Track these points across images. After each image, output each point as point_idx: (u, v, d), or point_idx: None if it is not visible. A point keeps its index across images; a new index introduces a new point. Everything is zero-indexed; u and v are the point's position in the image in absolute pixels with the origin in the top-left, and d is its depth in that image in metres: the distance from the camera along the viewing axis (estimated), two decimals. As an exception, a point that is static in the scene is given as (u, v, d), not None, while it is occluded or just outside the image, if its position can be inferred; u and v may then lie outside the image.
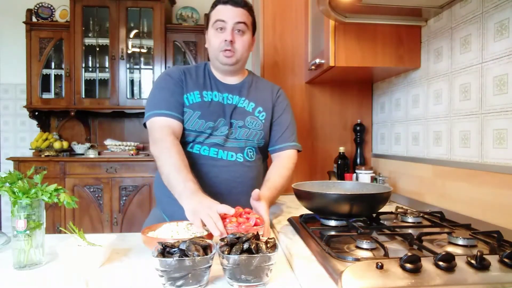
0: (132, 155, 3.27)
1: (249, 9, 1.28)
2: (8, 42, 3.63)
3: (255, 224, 0.94)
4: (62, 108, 3.42)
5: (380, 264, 0.65)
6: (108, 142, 3.42)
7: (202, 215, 0.93)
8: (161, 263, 0.69)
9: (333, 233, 0.90)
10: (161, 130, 1.18)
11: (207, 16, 1.30)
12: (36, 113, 3.48)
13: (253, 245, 0.72)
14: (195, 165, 1.22)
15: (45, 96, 3.46)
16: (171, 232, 0.95)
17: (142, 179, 3.17)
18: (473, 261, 0.66)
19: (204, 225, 0.92)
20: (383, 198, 1.04)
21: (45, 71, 3.44)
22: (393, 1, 1.19)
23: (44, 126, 3.62)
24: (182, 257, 0.69)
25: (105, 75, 3.46)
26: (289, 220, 1.16)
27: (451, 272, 0.65)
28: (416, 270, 0.64)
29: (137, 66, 3.58)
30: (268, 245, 0.75)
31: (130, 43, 3.48)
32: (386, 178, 1.52)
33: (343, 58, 1.40)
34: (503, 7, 1.00)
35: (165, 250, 0.73)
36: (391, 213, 1.19)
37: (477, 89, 1.10)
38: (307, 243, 0.91)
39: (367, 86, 1.89)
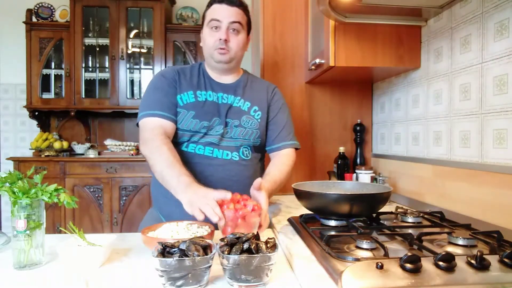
0: (132, 155, 3.28)
1: (245, 8, 1.28)
2: (8, 42, 3.63)
3: (252, 210, 0.95)
4: (62, 108, 3.42)
5: (380, 264, 0.65)
6: (108, 142, 3.42)
7: (199, 204, 0.94)
8: (161, 263, 0.69)
9: (333, 233, 0.90)
10: (152, 130, 1.19)
11: (203, 15, 1.30)
12: (36, 113, 3.49)
13: (253, 245, 0.72)
14: (190, 164, 1.22)
15: (45, 96, 3.46)
16: (171, 232, 0.95)
17: (142, 179, 3.17)
18: (473, 261, 0.66)
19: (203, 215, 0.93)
20: (383, 198, 1.04)
21: (45, 71, 3.45)
22: (393, 1, 1.19)
23: (44, 126, 3.62)
24: (182, 257, 0.69)
25: (105, 75, 3.46)
26: (289, 220, 1.16)
27: (451, 272, 0.65)
28: (416, 270, 0.64)
29: (137, 66, 3.58)
30: (268, 245, 0.75)
31: (130, 43, 3.48)
32: (386, 178, 1.52)
33: (343, 58, 1.40)
34: (503, 7, 1.00)
35: (165, 250, 0.73)
36: (391, 213, 1.19)
37: (477, 89, 1.10)
38: (307, 243, 0.91)
39: (367, 86, 1.89)
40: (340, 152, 1.76)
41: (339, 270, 0.67)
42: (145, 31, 3.52)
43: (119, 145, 3.34)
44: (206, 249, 0.73)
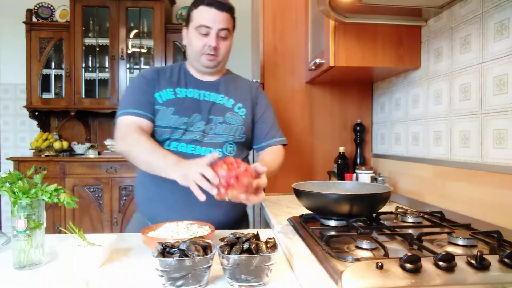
0: (132, 155, 3.27)
1: (232, 12, 1.27)
2: (8, 42, 3.63)
3: (246, 170, 0.95)
4: (62, 108, 3.42)
5: (380, 264, 0.65)
6: (108, 142, 3.42)
7: (193, 177, 0.96)
8: (161, 263, 0.69)
9: (333, 233, 0.90)
10: (128, 126, 1.19)
11: (188, 13, 1.27)
12: (36, 113, 3.49)
13: (253, 245, 0.72)
14: None
15: (45, 96, 3.46)
16: (171, 232, 0.95)
17: (142, 179, 3.17)
18: (473, 261, 0.66)
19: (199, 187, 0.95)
20: (383, 198, 1.04)
21: (45, 71, 3.45)
22: (393, 1, 1.19)
23: (44, 126, 3.62)
24: (182, 257, 0.69)
25: (105, 75, 3.46)
26: (289, 220, 1.16)
27: (451, 272, 0.65)
28: (416, 270, 0.64)
29: (137, 66, 3.57)
30: (268, 245, 0.75)
31: (130, 43, 3.48)
32: (386, 178, 1.52)
33: (343, 58, 1.40)
34: (503, 7, 1.00)
35: (165, 250, 0.73)
36: (391, 213, 1.19)
37: (477, 89, 1.10)
38: (307, 243, 0.91)
39: (367, 86, 1.89)
40: (340, 152, 1.76)
41: (339, 270, 0.67)
42: (145, 31, 3.52)
43: (119, 145, 3.34)
44: (206, 249, 0.73)
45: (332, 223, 1.07)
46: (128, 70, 3.44)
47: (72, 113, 3.39)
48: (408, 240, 0.84)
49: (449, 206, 1.20)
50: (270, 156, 1.29)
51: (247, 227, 1.41)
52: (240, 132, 1.28)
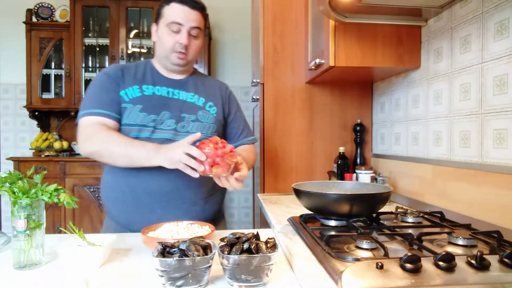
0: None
1: (204, 13, 1.26)
2: (8, 42, 3.63)
3: (231, 151, 0.99)
4: (62, 108, 3.42)
5: (380, 264, 0.65)
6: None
7: (179, 157, 0.97)
8: (161, 263, 0.69)
9: (333, 233, 0.90)
10: (92, 126, 1.14)
11: (158, 10, 1.25)
12: (36, 113, 3.48)
13: (253, 245, 0.72)
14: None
15: (45, 96, 3.46)
16: (171, 232, 0.95)
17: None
18: (473, 261, 0.66)
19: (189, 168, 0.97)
20: (383, 198, 1.04)
21: (45, 71, 3.44)
22: (393, 1, 1.19)
23: (44, 126, 3.62)
24: (182, 257, 0.69)
25: (105, 75, 3.45)
26: (289, 220, 1.16)
27: (451, 272, 0.65)
28: (416, 270, 0.64)
29: (137, 66, 3.57)
30: (268, 245, 0.75)
31: (130, 43, 3.48)
32: (386, 178, 1.52)
33: (343, 58, 1.40)
34: (503, 7, 1.00)
35: (165, 250, 0.73)
36: (391, 213, 1.19)
37: (477, 89, 1.10)
38: (307, 243, 0.91)
39: (367, 86, 1.89)
40: (340, 152, 1.76)
41: (339, 270, 0.67)
42: (145, 31, 3.52)
43: (119, 145, 3.34)
44: (206, 249, 0.73)
45: (332, 223, 1.07)
46: (128, 70, 3.43)
47: (72, 113, 3.38)
48: (408, 240, 0.84)
49: (449, 206, 1.20)
50: (245, 153, 1.30)
51: (224, 225, 1.40)
52: (212, 130, 1.27)
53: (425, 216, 1.12)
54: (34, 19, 3.41)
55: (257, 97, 1.96)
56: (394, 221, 1.13)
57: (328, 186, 1.28)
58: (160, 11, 1.24)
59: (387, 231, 0.95)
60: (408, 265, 0.64)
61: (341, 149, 1.76)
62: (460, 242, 0.83)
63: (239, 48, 3.73)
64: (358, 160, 1.82)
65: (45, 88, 3.46)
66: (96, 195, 3.15)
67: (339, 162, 1.74)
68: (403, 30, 1.41)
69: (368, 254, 0.78)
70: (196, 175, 0.98)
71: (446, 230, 0.94)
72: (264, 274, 0.72)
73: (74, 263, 0.83)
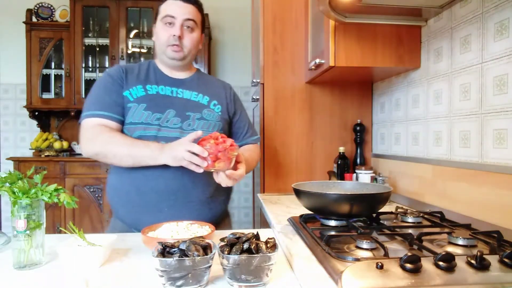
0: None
1: (199, 6, 1.28)
2: (8, 42, 3.63)
3: (231, 145, 1.02)
4: (62, 108, 3.42)
5: (380, 264, 0.65)
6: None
7: (182, 155, 1.01)
8: (161, 263, 0.69)
9: (333, 233, 0.90)
10: (94, 127, 1.15)
11: (157, 10, 1.29)
12: (36, 113, 3.48)
13: (253, 245, 0.72)
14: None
15: (45, 96, 3.46)
16: (171, 232, 0.95)
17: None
18: (473, 261, 0.66)
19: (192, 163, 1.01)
20: (383, 198, 1.04)
21: (45, 71, 3.45)
22: (393, 1, 1.19)
23: (44, 126, 3.62)
24: (182, 257, 0.69)
25: (105, 75, 3.45)
26: (289, 220, 1.16)
27: (451, 272, 0.65)
28: (416, 270, 0.64)
29: (137, 66, 3.57)
30: (268, 245, 0.75)
31: (130, 43, 3.48)
32: (386, 178, 1.52)
33: (343, 58, 1.40)
34: (503, 7, 1.00)
35: (165, 250, 0.73)
36: (391, 213, 1.19)
37: (477, 89, 1.10)
38: (307, 243, 0.91)
39: (367, 86, 1.89)
40: (340, 152, 1.76)
41: (339, 270, 0.67)
42: (145, 31, 3.52)
43: (119, 145, 3.34)
44: (206, 249, 0.73)
45: (332, 223, 1.07)
46: (128, 70, 3.43)
47: (72, 113, 3.38)
48: (408, 240, 0.84)
49: (449, 206, 1.20)
50: (248, 153, 1.31)
51: (229, 225, 1.40)
52: (218, 128, 1.28)
53: (425, 216, 1.12)
54: (34, 19, 3.42)
55: (257, 97, 1.96)
56: (394, 221, 1.13)
57: (328, 186, 1.28)
58: (158, 9, 1.28)
59: (387, 231, 0.95)
60: (408, 265, 0.64)
61: (341, 149, 1.76)
62: (460, 242, 0.83)
63: (239, 48, 3.73)
64: (358, 160, 1.82)
65: (45, 88, 3.46)
66: (96, 195, 3.15)
67: (339, 162, 1.74)
68: (403, 30, 1.41)
69: (368, 254, 0.78)
70: (200, 170, 1.02)
71: (446, 230, 0.94)
72: (264, 274, 0.72)
73: (74, 263, 0.83)
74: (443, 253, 0.66)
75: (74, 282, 0.76)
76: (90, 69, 3.51)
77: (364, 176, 1.61)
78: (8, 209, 3.42)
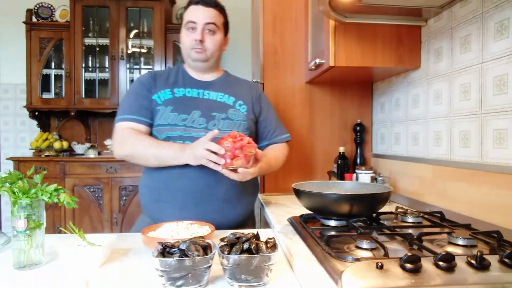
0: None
1: (221, 9, 1.33)
2: (8, 42, 3.63)
3: (248, 143, 1.05)
4: (62, 108, 3.42)
5: (380, 264, 0.65)
6: (108, 142, 3.42)
7: (201, 153, 1.07)
8: (161, 263, 0.69)
9: (333, 233, 0.90)
10: (123, 131, 1.24)
11: (181, 17, 1.36)
12: (36, 113, 3.48)
13: (253, 245, 0.72)
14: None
15: (45, 96, 3.46)
16: (171, 232, 0.95)
17: (142, 179, 3.17)
18: (473, 261, 0.66)
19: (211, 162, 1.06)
20: (383, 198, 1.04)
21: (45, 71, 3.45)
22: (393, 1, 1.19)
23: (44, 126, 3.62)
24: (182, 257, 0.69)
25: (105, 75, 3.46)
26: (289, 220, 1.16)
27: (451, 272, 0.65)
28: (416, 270, 0.64)
29: (137, 66, 3.58)
30: (268, 245, 0.75)
31: (130, 43, 3.48)
32: (386, 178, 1.52)
33: (343, 58, 1.40)
34: (503, 7, 1.00)
35: (165, 250, 0.73)
36: (391, 213, 1.19)
37: (477, 89, 1.10)
38: (307, 243, 0.91)
39: (367, 86, 1.89)
40: (340, 152, 1.76)
41: (339, 270, 0.67)
42: (145, 31, 3.52)
43: (119, 145, 3.34)
44: (206, 249, 0.73)
45: (332, 223, 1.07)
46: (128, 70, 3.44)
47: (72, 113, 3.38)
48: (408, 240, 0.84)
49: (449, 206, 1.20)
50: (272, 153, 1.34)
51: (253, 225, 1.43)
52: (243, 127, 1.30)
53: (425, 216, 1.12)
54: (34, 19, 3.42)
55: (257, 97, 1.95)
56: (394, 221, 1.13)
57: (328, 186, 1.28)
58: (182, 17, 1.34)
59: (387, 231, 0.95)
60: (408, 265, 0.64)
61: (341, 149, 1.76)
62: (460, 242, 0.83)
63: (239, 48, 3.73)
64: (358, 160, 1.82)
65: (45, 88, 3.46)
66: (96, 195, 3.15)
67: (339, 162, 1.74)
68: (403, 30, 1.41)
69: (368, 254, 0.78)
70: (218, 168, 1.07)
71: (446, 230, 0.94)
72: (264, 274, 0.72)
73: (74, 263, 0.83)
74: (443, 253, 0.66)
75: (74, 282, 0.76)
76: (90, 69, 3.51)
77: (364, 176, 1.61)
78: (8, 209, 3.42)
